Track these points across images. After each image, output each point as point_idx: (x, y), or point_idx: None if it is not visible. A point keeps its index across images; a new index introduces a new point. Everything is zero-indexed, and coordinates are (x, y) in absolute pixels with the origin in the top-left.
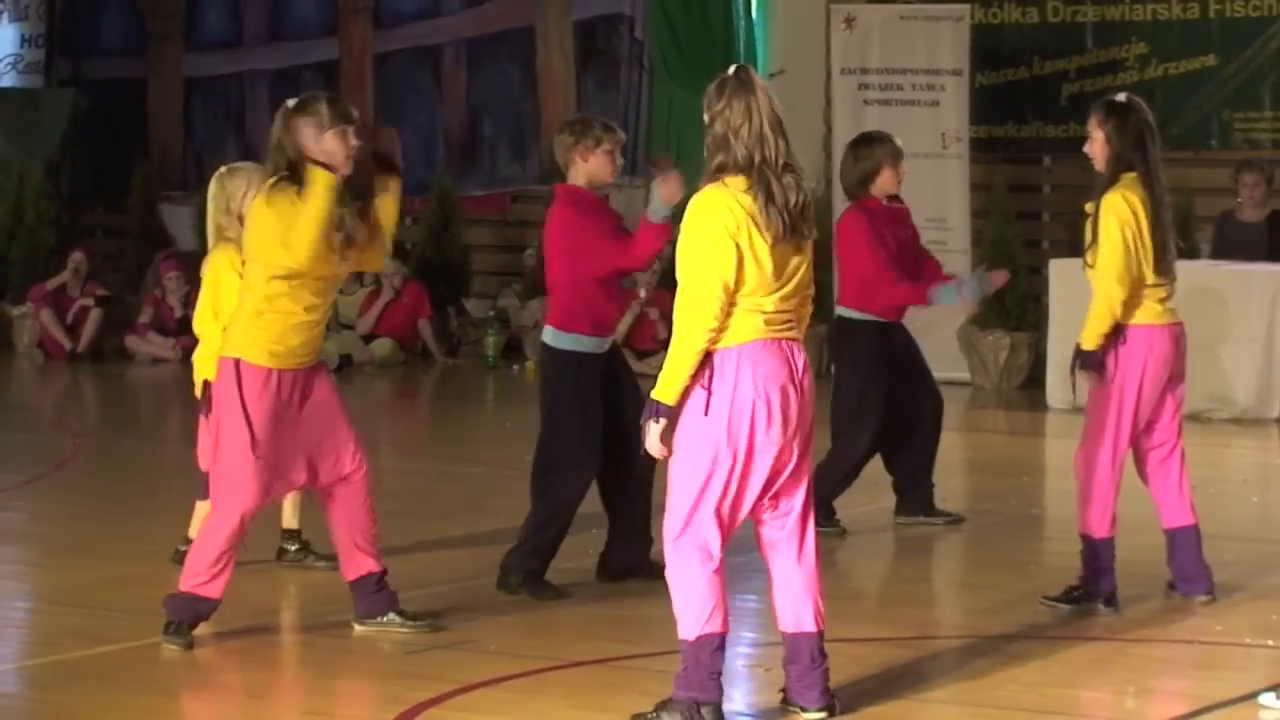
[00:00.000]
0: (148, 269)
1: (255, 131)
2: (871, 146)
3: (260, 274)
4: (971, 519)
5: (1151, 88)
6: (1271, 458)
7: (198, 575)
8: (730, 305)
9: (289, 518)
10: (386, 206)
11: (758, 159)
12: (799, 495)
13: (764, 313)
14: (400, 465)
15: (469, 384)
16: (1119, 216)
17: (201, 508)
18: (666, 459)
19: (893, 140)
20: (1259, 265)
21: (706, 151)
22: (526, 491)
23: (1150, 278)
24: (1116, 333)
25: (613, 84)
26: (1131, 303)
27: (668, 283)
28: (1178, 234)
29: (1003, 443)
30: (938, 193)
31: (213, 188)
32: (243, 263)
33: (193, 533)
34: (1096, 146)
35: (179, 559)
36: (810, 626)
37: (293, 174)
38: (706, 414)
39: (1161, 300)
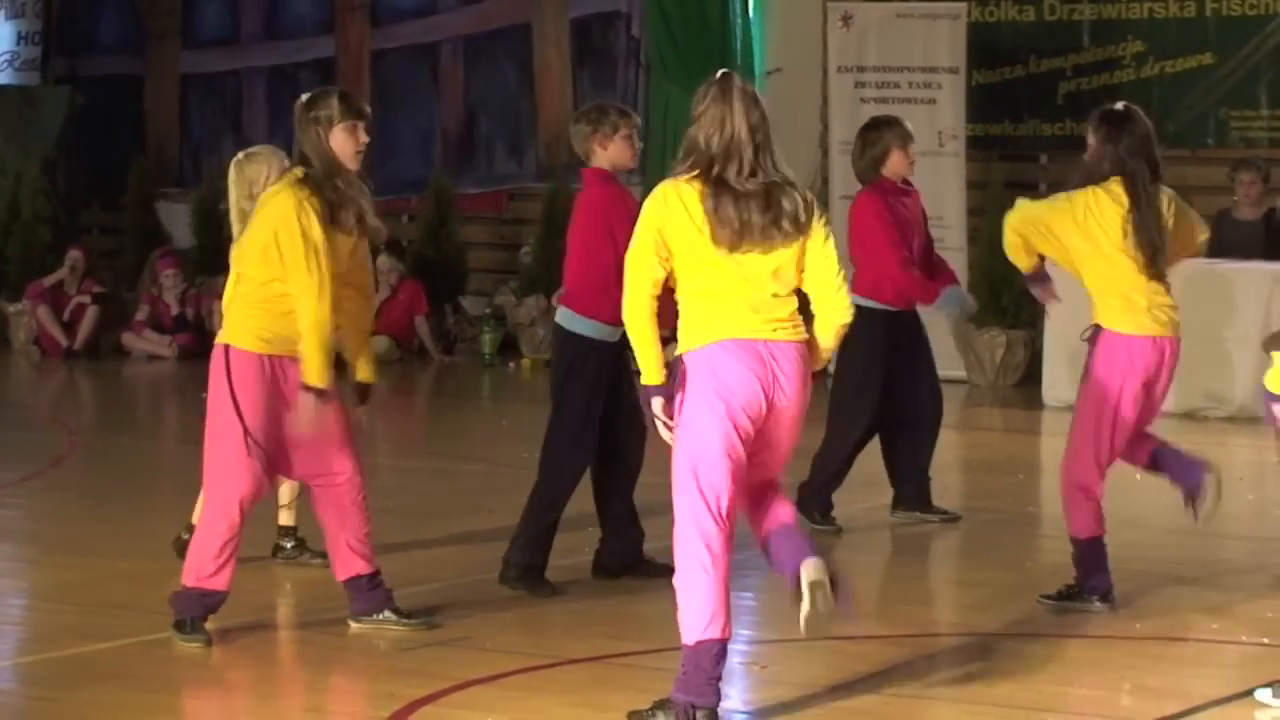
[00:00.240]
0: (144, 266)
1: (252, 129)
2: (879, 131)
3: (257, 261)
4: (968, 516)
5: (1148, 86)
6: (1267, 455)
7: (202, 569)
8: (667, 293)
9: (285, 515)
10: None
11: (716, 169)
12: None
13: (730, 314)
14: (396, 462)
15: (465, 381)
16: (1071, 200)
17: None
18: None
19: (901, 123)
20: (1255, 263)
21: (681, 149)
22: (523, 489)
23: (1145, 272)
24: (1097, 337)
25: (609, 81)
26: (1110, 307)
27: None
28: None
29: (999, 440)
30: (934, 191)
31: (232, 174)
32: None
33: (195, 519)
34: (1090, 154)
35: (180, 547)
36: (787, 518)
37: (308, 168)
38: (681, 416)
39: (1145, 310)
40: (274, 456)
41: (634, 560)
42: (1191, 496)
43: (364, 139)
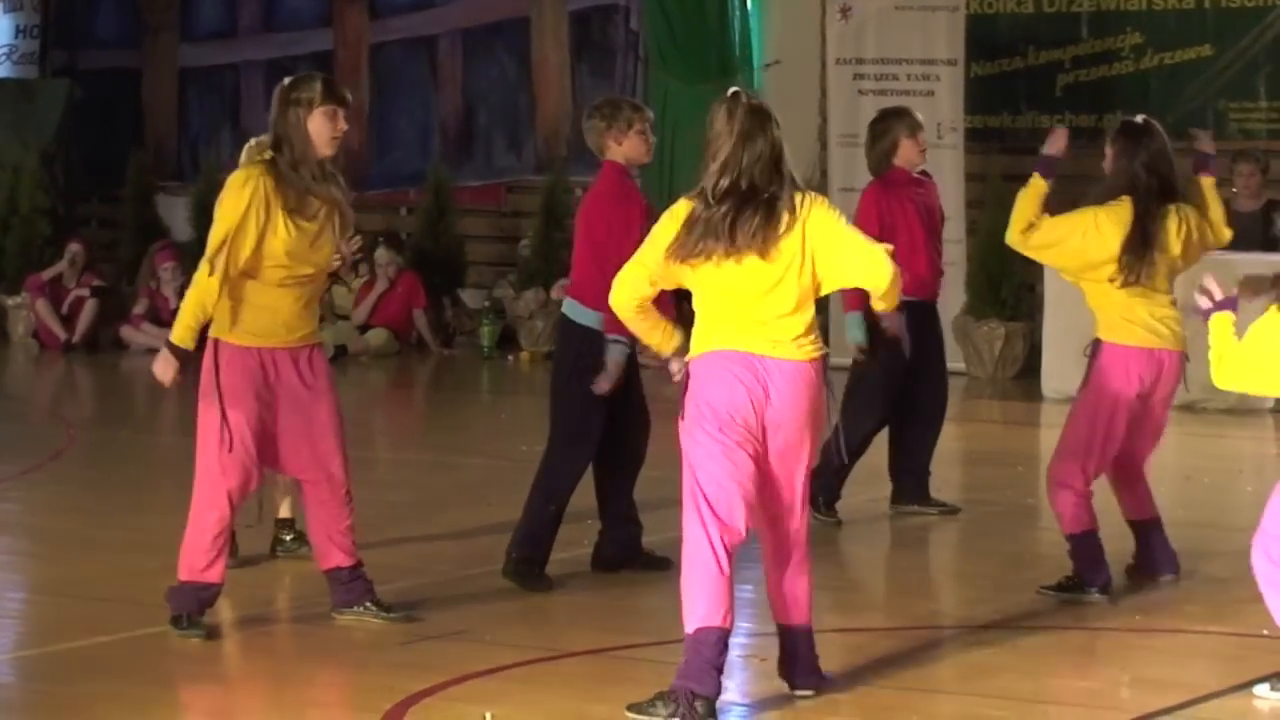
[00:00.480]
0: (143, 260)
1: (250, 122)
2: (888, 121)
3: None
4: (967, 509)
5: (1146, 78)
6: (1266, 447)
7: (195, 563)
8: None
9: (283, 508)
10: None
11: (707, 187)
12: (791, 498)
13: (727, 327)
14: (395, 455)
15: (464, 374)
16: (1075, 220)
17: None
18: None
19: (910, 113)
20: (1254, 255)
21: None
22: (522, 482)
23: (1119, 285)
24: (1096, 350)
25: (608, 74)
26: (1109, 320)
27: None
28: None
29: (998, 432)
30: None
31: (244, 160)
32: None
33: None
34: (1106, 164)
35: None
36: (803, 619)
37: (277, 152)
38: (683, 419)
39: (1143, 322)
40: (263, 449)
41: (633, 553)
42: (1149, 572)
43: (342, 126)
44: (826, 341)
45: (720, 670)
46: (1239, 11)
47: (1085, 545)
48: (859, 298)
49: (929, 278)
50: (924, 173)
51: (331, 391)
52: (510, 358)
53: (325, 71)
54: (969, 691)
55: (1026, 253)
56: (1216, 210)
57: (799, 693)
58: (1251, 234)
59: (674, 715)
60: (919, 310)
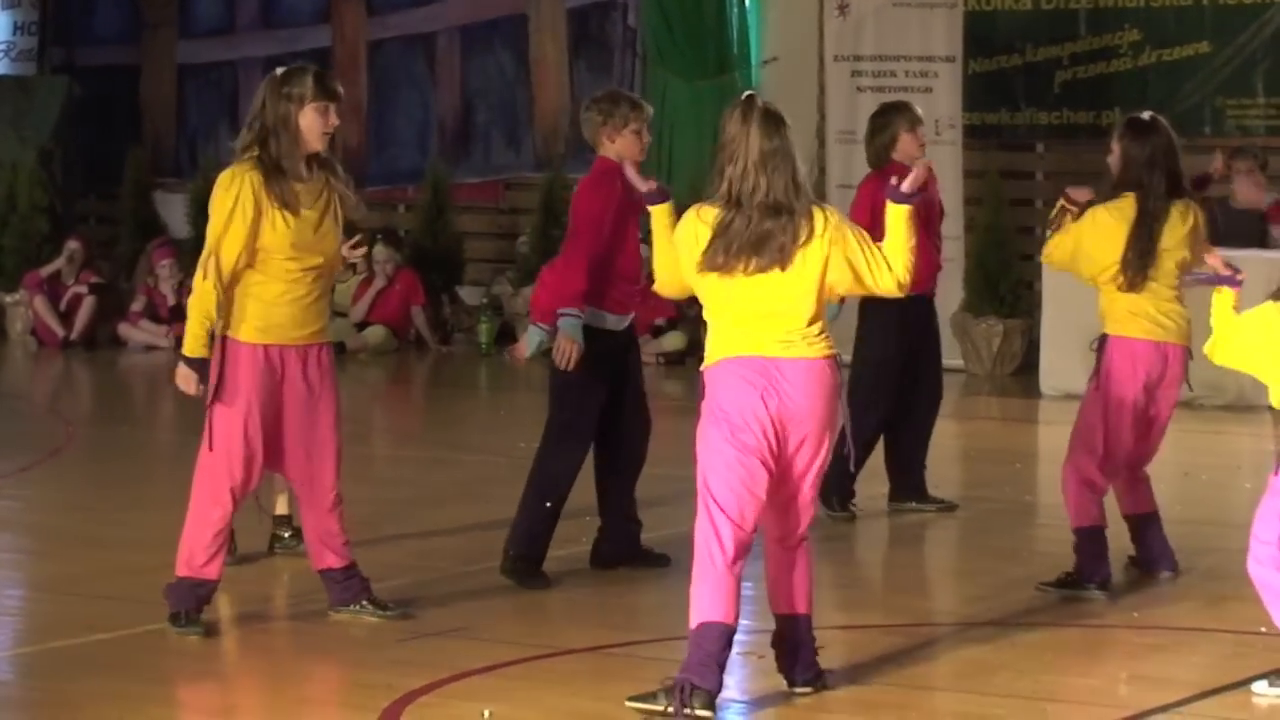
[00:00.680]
0: (141, 257)
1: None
2: (887, 116)
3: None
4: (965, 506)
5: (1144, 75)
6: (1264, 444)
7: (194, 559)
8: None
9: (280, 504)
10: None
11: (735, 193)
12: (800, 494)
13: (737, 332)
14: (393, 452)
15: (462, 371)
16: (1082, 224)
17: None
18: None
19: (910, 107)
20: (1251, 252)
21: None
22: (521, 479)
23: (1123, 289)
24: (1104, 343)
25: (606, 71)
26: (1115, 314)
27: None
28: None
29: (996, 429)
30: None
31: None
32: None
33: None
34: (1112, 161)
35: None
36: (802, 609)
37: (264, 146)
38: (701, 421)
39: (1149, 316)
40: (267, 448)
41: (632, 551)
42: (1148, 569)
43: (334, 121)
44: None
45: (722, 666)
46: (1237, 8)
47: (1091, 540)
48: None
49: (925, 273)
50: None
51: (334, 392)
52: (508, 354)
53: (323, 68)
54: (967, 689)
55: (1059, 270)
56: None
57: (797, 690)
58: (1250, 231)
59: (671, 707)
60: (914, 305)
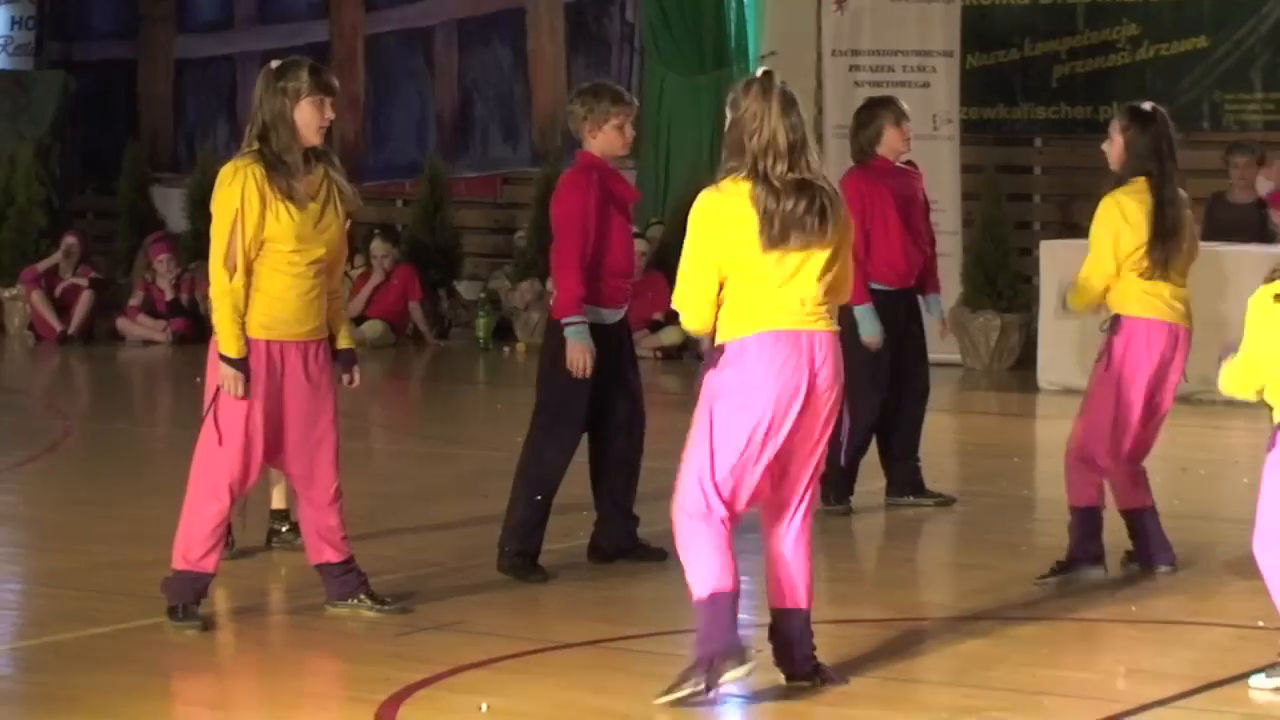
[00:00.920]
0: (138, 252)
1: (246, 114)
2: (873, 110)
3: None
4: (962, 500)
5: (1142, 69)
6: (1262, 439)
7: (191, 552)
8: (718, 295)
9: (276, 498)
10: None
11: (763, 168)
12: (804, 478)
13: (772, 305)
14: (391, 447)
15: (460, 366)
16: (1105, 217)
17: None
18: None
19: (895, 101)
20: (1250, 246)
21: (724, 150)
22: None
23: (1145, 275)
24: (1117, 324)
25: (604, 66)
26: (1129, 296)
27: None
28: None
29: (993, 424)
30: (929, 175)
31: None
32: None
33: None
34: (1114, 150)
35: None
36: (802, 604)
37: (264, 140)
38: (717, 396)
39: (1163, 298)
40: (267, 443)
41: (629, 544)
42: (1146, 563)
43: (330, 114)
44: None
45: (736, 628)
46: (1235, 3)
47: (1086, 520)
48: (865, 291)
49: (904, 268)
50: (910, 162)
51: (333, 388)
52: (506, 349)
53: (322, 63)
54: (965, 683)
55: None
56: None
57: (795, 684)
58: (1248, 226)
59: (704, 682)
60: (895, 298)
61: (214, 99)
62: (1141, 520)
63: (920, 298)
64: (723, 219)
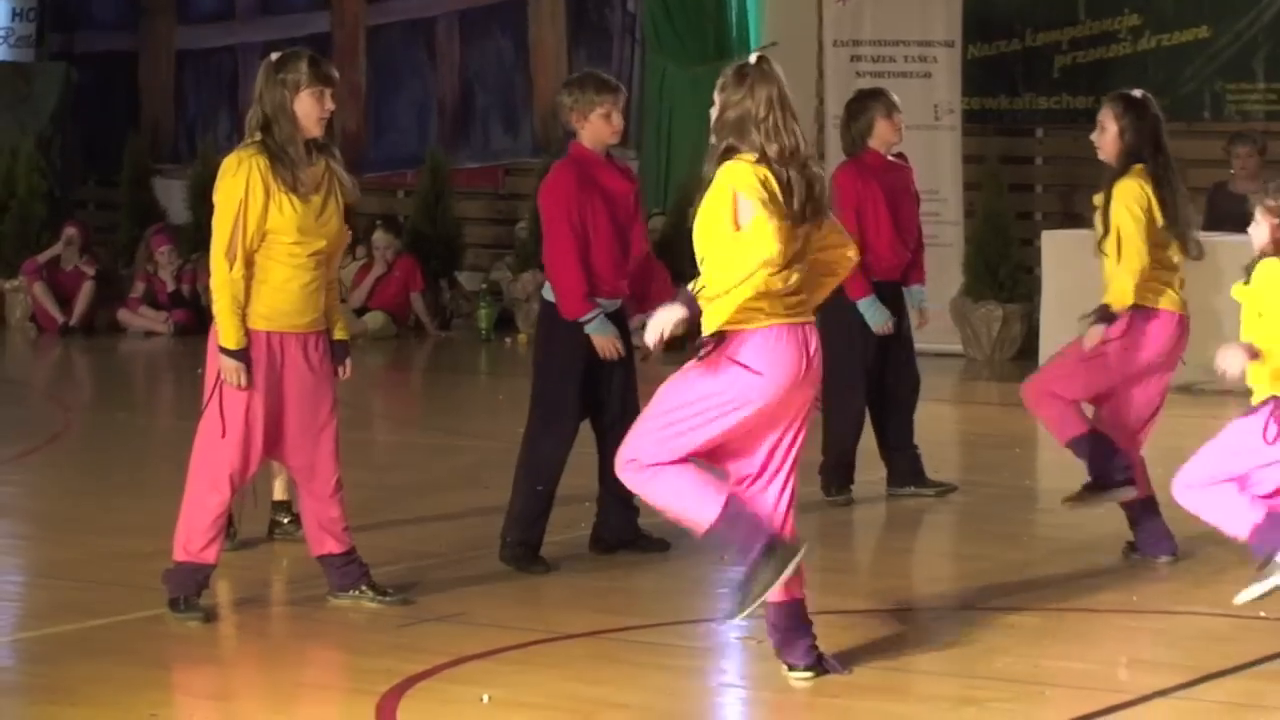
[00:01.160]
0: (139, 243)
1: (247, 104)
2: (864, 102)
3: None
4: (963, 490)
5: (1144, 59)
6: None
7: (193, 543)
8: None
9: (278, 489)
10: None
11: (773, 150)
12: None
13: (776, 295)
14: (392, 438)
15: (462, 357)
16: (1135, 198)
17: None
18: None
19: (886, 93)
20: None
21: (714, 134)
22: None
23: (1157, 264)
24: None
25: (605, 57)
26: (1144, 286)
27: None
28: None
29: (995, 414)
30: (930, 165)
31: None
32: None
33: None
34: (1107, 138)
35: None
36: (797, 593)
37: (267, 132)
38: (702, 373)
39: (1173, 287)
40: (268, 435)
41: (630, 535)
42: (1146, 554)
43: (330, 106)
44: None
45: (758, 518)
46: None
47: (1094, 443)
48: (867, 283)
49: (891, 261)
50: (900, 155)
51: (332, 379)
52: (508, 340)
53: (322, 53)
54: (965, 674)
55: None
56: None
57: (796, 675)
58: (1249, 216)
59: (759, 575)
60: (881, 290)
61: (215, 90)
62: (1142, 511)
63: (904, 289)
64: (771, 189)
